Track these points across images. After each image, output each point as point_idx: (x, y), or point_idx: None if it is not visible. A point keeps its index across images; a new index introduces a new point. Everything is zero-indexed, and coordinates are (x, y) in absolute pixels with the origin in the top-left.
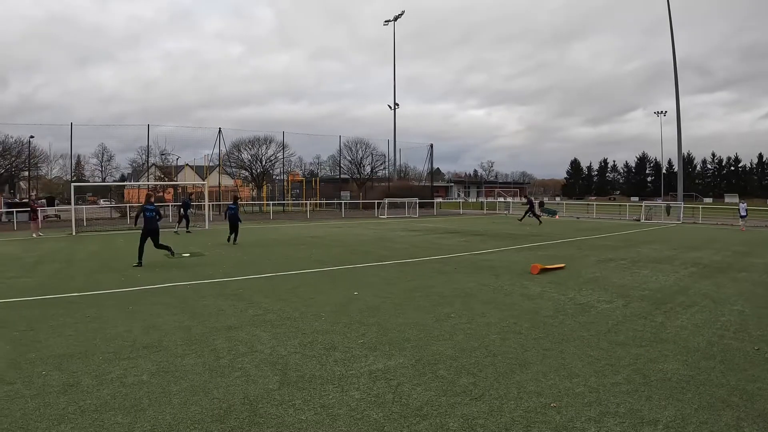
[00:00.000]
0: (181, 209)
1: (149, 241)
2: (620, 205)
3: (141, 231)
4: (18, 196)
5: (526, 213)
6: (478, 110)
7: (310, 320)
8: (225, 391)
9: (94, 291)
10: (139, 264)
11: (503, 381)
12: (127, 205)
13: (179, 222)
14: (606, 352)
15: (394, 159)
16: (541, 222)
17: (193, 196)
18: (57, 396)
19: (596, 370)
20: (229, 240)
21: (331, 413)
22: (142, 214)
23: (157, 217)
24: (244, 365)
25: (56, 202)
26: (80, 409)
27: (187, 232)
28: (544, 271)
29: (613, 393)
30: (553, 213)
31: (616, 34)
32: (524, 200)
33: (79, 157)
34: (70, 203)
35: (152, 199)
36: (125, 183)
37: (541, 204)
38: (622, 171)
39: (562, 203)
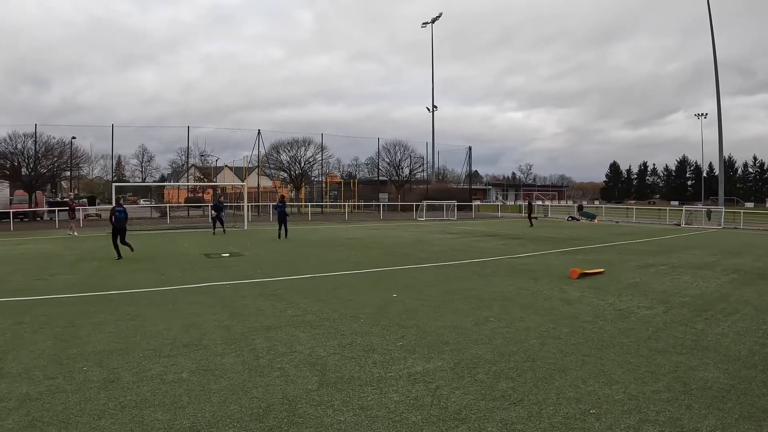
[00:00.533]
0: (212, 212)
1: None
2: (660, 209)
3: (112, 229)
4: (60, 195)
5: (530, 217)
6: (517, 113)
7: (348, 322)
8: (264, 391)
9: (134, 289)
10: (119, 257)
11: (542, 386)
12: (167, 205)
13: (215, 225)
14: (646, 359)
15: (433, 161)
16: (532, 225)
17: (222, 199)
18: (97, 391)
19: (636, 377)
20: (279, 236)
21: (370, 415)
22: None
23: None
24: (283, 365)
25: (97, 201)
26: (120, 404)
27: (223, 232)
28: (583, 275)
29: (653, 401)
30: (592, 217)
31: (656, 34)
32: (526, 203)
33: (119, 157)
34: (110, 203)
35: (121, 202)
36: (165, 183)
37: (580, 208)
38: (661, 174)
39: (601, 207)
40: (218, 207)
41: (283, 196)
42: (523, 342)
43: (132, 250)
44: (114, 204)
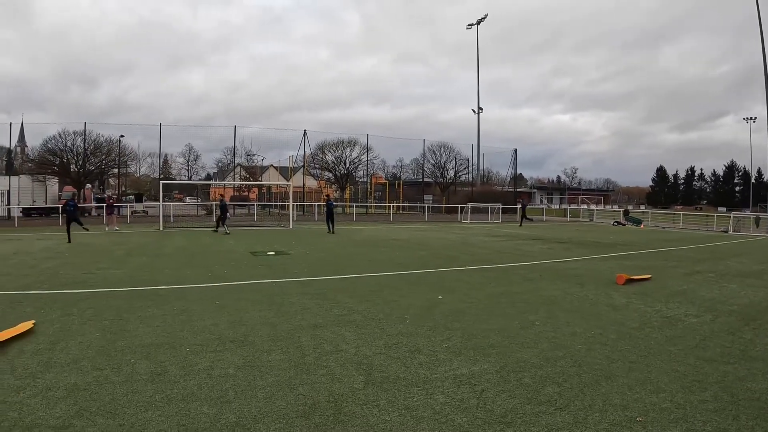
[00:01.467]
0: (218, 210)
1: (74, 224)
2: (707, 215)
3: (67, 219)
4: (108, 192)
5: (521, 218)
6: (564, 115)
7: (394, 322)
8: (310, 388)
9: (181, 285)
10: (69, 241)
11: (588, 392)
12: (213, 203)
13: (225, 225)
14: (693, 368)
15: (478, 163)
16: (521, 225)
17: (222, 196)
18: (144, 384)
19: (683, 385)
20: (329, 230)
21: (416, 415)
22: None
23: (76, 209)
24: (329, 363)
25: (144, 198)
26: (167, 397)
27: (214, 231)
28: (629, 281)
29: (700, 410)
30: (638, 222)
31: (706, 36)
32: (519, 204)
33: (166, 155)
34: (157, 200)
35: (74, 199)
36: (211, 182)
37: (626, 212)
38: (709, 180)
39: (647, 212)
40: (223, 207)
41: (328, 195)
42: (569, 347)
43: (69, 241)
44: (66, 200)
